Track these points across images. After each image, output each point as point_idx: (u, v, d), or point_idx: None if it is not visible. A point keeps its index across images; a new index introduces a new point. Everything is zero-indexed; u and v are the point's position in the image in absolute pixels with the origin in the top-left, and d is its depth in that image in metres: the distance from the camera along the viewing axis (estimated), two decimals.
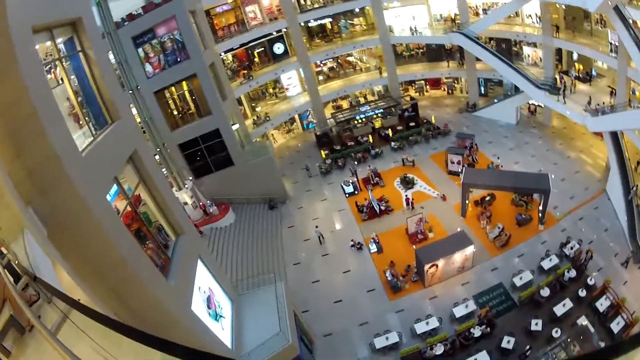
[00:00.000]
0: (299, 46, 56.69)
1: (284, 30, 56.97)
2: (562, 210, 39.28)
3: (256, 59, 59.99)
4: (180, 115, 43.91)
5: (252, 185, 46.80)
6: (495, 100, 57.27)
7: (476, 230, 38.40)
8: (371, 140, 56.39)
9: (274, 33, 56.77)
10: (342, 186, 48.05)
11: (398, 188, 46.33)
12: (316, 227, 42.17)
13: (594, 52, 43.66)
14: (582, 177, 43.59)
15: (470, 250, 33.73)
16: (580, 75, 49.15)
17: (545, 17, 47.47)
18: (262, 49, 59.74)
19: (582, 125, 42.93)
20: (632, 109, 37.03)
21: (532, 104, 55.82)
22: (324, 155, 54.77)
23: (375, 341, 29.96)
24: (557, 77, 48.65)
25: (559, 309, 29.41)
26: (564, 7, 47.52)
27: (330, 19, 61.63)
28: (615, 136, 38.90)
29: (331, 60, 65.19)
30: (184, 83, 42.18)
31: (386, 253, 37.86)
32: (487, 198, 40.86)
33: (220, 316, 21.56)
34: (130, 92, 34.48)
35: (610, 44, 41.19)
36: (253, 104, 61.50)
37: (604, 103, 40.89)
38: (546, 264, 33.51)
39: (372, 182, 47.27)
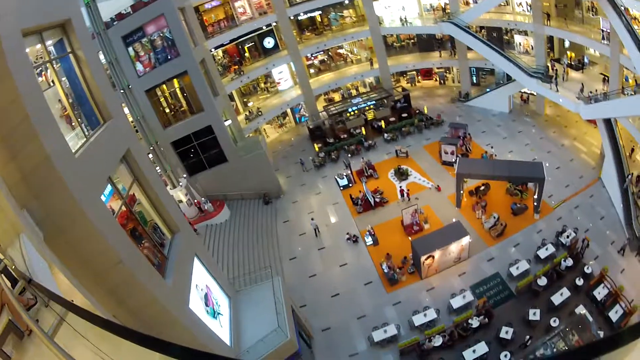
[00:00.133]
0: (290, 40, 56.54)
1: (274, 24, 56.74)
2: (557, 199, 39.34)
3: (247, 54, 59.77)
4: (172, 113, 43.81)
5: (246, 181, 46.80)
6: (488, 90, 57.19)
7: (471, 220, 38.44)
8: (364, 132, 56.33)
9: (264, 27, 56.72)
10: (336, 179, 48.02)
11: (392, 180, 46.31)
12: (312, 219, 42.22)
13: (586, 39, 43.61)
14: (576, 165, 43.62)
15: (466, 240, 33.73)
16: (573, 63, 49.24)
17: (536, 5, 47.27)
18: (253, 43, 59.58)
19: (575, 113, 43.00)
20: (626, 96, 37.06)
21: (525, 92, 55.76)
22: (317, 149, 54.58)
23: (373, 334, 29.95)
24: (549, 65, 48.70)
25: (557, 298, 29.41)
26: None
27: (320, 12, 61.30)
28: (609, 123, 38.89)
29: (322, 53, 64.86)
30: (175, 80, 42.08)
31: (382, 245, 37.87)
32: (482, 188, 40.89)
33: (218, 313, 21.58)
34: (122, 91, 34.39)
35: (602, 31, 41.12)
36: (245, 99, 61.43)
37: (596, 90, 40.94)
38: (542, 253, 33.53)
39: (366, 175, 47.24)
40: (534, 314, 28.69)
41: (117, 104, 17.64)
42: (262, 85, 64.14)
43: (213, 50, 52.40)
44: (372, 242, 38.34)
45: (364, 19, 60.12)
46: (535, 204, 37.52)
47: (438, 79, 67.08)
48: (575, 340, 25.38)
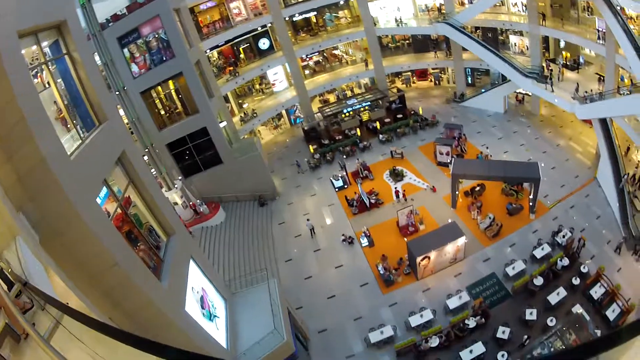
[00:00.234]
0: (285, 41, 56.57)
1: (269, 25, 56.81)
2: (553, 199, 39.43)
3: (242, 55, 59.78)
4: (168, 114, 43.71)
5: (241, 183, 46.74)
6: (483, 90, 57.30)
7: (467, 221, 38.47)
8: (359, 133, 56.25)
9: (259, 28, 56.65)
10: (331, 181, 48.06)
11: (387, 181, 46.32)
12: (307, 219, 42.27)
13: (581, 39, 43.86)
14: (572, 165, 43.73)
15: (461, 241, 33.78)
16: (568, 63, 49.43)
17: (531, 5, 47.43)
18: (248, 45, 59.53)
19: (570, 113, 43.07)
20: (621, 96, 37.14)
21: (520, 92, 55.91)
22: (312, 150, 54.57)
23: (370, 335, 29.91)
24: (544, 65, 48.81)
25: (553, 298, 29.47)
26: None
27: (315, 13, 61.33)
28: (604, 123, 38.99)
29: (317, 54, 64.88)
30: (170, 82, 41.99)
31: (378, 246, 37.88)
32: (477, 188, 40.93)
33: (215, 316, 21.53)
34: (117, 93, 34.20)
35: (598, 31, 41.33)
36: (240, 101, 61.41)
37: (592, 90, 41.05)
38: (538, 253, 33.59)
39: (362, 176, 47.26)
40: (531, 314, 28.74)
41: (113, 105, 17.59)
42: (257, 86, 64.06)
43: (208, 51, 52.40)
44: (367, 244, 38.30)
45: (359, 19, 60.10)
46: (530, 204, 37.60)
47: (433, 79, 67.19)
48: (572, 340, 25.51)
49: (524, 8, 49.73)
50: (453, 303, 31.09)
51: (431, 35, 61.96)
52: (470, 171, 39.66)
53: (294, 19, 60.42)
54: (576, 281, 30.67)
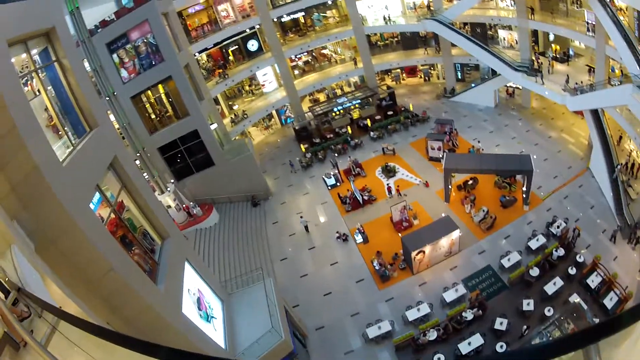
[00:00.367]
0: (273, 42, 56.58)
1: (257, 27, 56.72)
2: (546, 190, 39.61)
3: (231, 57, 59.85)
4: (158, 118, 43.66)
5: (234, 184, 46.76)
6: (473, 85, 57.58)
7: (461, 214, 38.59)
8: (350, 131, 56.46)
9: (247, 30, 56.52)
10: (323, 179, 48.14)
11: (380, 177, 46.42)
12: (301, 217, 42.35)
13: (571, 32, 43.97)
14: (564, 156, 43.95)
15: (456, 234, 33.89)
16: (558, 56, 49.67)
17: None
18: (237, 47, 59.59)
19: (561, 105, 43.29)
20: (612, 86, 37.29)
21: (511, 86, 56.08)
22: (304, 149, 54.70)
23: (367, 331, 29.95)
24: (534, 58, 48.96)
25: (550, 288, 29.60)
26: None
27: (303, 13, 61.28)
28: (596, 114, 39.14)
29: (306, 54, 64.84)
30: (160, 86, 41.90)
31: (372, 243, 37.95)
32: (470, 182, 41.06)
33: (212, 317, 21.55)
34: (107, 98, 34.15)
35: (587, 23, 41.50)
36: (230, 103, 61.35)
37: (582, 82, 41.22)
38: (534, 244, 33.74)
39: (354, 173, 47.47)
40: (528, 304, 28.84)
41: (103, 111, 17.61)
42: (247, 88, 64.08)
43: (197, 54, 52.32)
44: (362, 240, 38.38)
45: (347, 18, 60.28)
46: (524, 195, 37.76)
47: (423, 76, 67.41)
48: (570, 329, 25.60)
49: (512, 2, 49.87)
50: (450, 296, 31.17)
51: (420, 32, 61.96)
52: (462, 165, 39.78)
53: (282, 19, 60.43)
54: (572, 271, 30.78)
